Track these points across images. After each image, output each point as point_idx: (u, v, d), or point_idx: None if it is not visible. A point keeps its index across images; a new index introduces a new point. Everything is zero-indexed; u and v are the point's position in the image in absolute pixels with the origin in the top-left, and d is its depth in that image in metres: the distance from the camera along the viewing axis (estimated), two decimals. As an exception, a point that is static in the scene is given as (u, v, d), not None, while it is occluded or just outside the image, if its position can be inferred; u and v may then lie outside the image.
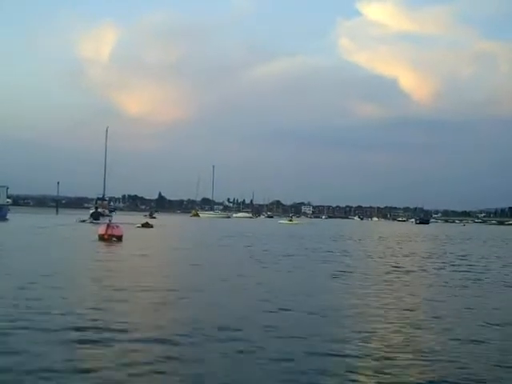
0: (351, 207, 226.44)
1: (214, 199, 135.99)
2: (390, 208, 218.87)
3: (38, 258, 16.98)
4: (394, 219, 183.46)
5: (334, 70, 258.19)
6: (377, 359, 6.35)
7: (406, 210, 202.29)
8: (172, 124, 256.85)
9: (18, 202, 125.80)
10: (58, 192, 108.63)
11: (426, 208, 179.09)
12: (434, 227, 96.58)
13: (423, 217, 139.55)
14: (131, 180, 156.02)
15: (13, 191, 70.73)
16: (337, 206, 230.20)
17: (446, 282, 13.92)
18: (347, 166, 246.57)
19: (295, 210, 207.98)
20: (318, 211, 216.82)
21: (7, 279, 11.62)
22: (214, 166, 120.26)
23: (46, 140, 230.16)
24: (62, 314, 8.07)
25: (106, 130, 62.82)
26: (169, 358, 6.17)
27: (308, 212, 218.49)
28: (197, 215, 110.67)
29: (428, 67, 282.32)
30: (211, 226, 58.72)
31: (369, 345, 7.02)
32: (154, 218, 76.92)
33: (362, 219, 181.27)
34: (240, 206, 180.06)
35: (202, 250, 23.75)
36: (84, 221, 46.33)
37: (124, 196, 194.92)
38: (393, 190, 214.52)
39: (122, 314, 8.38)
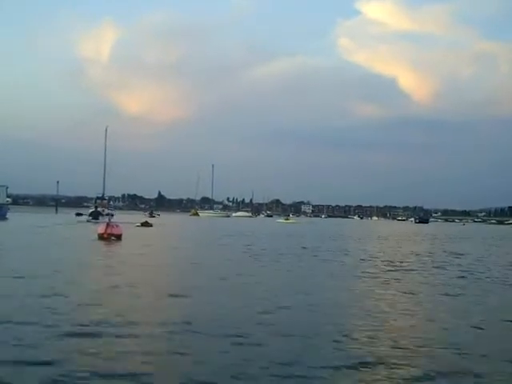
0: (351, 206, 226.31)
1: (213, 198, 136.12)
2: (390, 207, 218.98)
3: (37, 257, 16.99)
4: (394, 218, 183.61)
5: (333, 70, 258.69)
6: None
7: (406, 209, 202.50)
8: (172, 124, 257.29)
9: (18, 201, 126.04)
10: (57, 191, 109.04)
11: (425, 207, 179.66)
12: (434, 226, 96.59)
13: (423, 216, 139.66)
14: (131, 179, 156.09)
15: (12, 191, 71.00)
16: (336, 206, 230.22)
17: (443, 281, 13.96)
18: (347, 166, 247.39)
19: (295, 209, 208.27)
20: (318, 210, 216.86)
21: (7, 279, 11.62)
22: (213, 166, 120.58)
23: (45, 140, 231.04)
24: (62, 314, 8.12)
25: (106, 130, 62.69)
26: (160, 353, 6.24)
27: (308, 211, 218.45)
28: (196, 214, 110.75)
29: (428, 67, 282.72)
30: (210, 225, 58.77)
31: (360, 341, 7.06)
32: (154, 217, 77.06)
33: (361, 218, 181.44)
34: (239, 205, 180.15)
35: (201, 249, 23.77)
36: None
37: (123, 195, 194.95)
38: (392, 189, 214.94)
39: (120, 312, 8.39)
